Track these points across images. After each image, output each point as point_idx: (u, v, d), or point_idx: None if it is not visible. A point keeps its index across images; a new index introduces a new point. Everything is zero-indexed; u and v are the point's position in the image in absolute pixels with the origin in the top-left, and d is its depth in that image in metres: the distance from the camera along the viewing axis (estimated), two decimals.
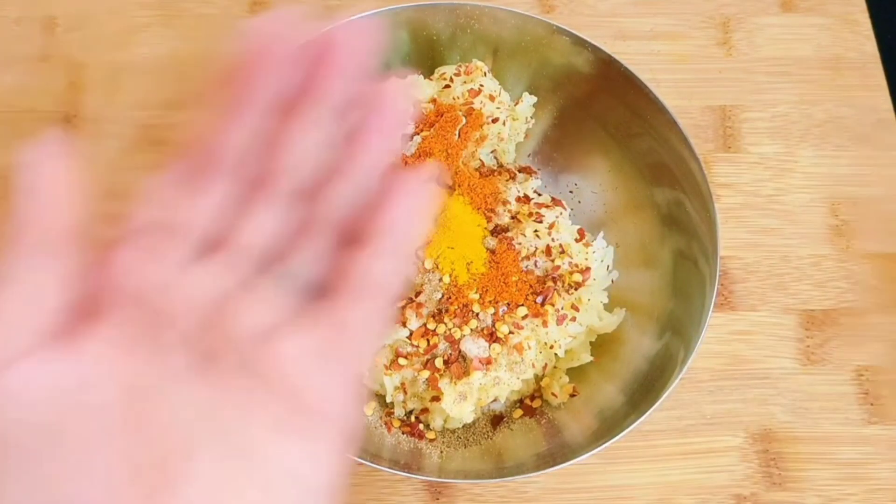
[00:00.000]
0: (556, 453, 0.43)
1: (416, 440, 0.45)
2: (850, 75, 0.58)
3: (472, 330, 0.44)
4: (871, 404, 0.49)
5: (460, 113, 0.48)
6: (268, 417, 0.22)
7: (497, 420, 0.47)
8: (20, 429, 0.20)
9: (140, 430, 0.21)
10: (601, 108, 0.49)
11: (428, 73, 0.52)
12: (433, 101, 0.50)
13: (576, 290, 0.45)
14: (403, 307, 0.44)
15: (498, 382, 0.44)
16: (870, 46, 0.58)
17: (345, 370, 0.24)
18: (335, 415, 0.23)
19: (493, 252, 0.45)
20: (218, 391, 0.21)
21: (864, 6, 0.59)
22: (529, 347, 0.44)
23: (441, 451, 0.45)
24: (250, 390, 0.22)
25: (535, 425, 0.46)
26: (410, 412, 0.46)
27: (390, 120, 0.25)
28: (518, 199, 0.48)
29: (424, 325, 0.44)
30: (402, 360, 0.44)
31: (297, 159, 0.25)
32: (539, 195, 0.49)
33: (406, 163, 0.47)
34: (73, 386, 0.21)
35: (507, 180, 0.49)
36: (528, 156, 0.53)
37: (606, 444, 0.40)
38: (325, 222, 0.25)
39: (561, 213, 0.47)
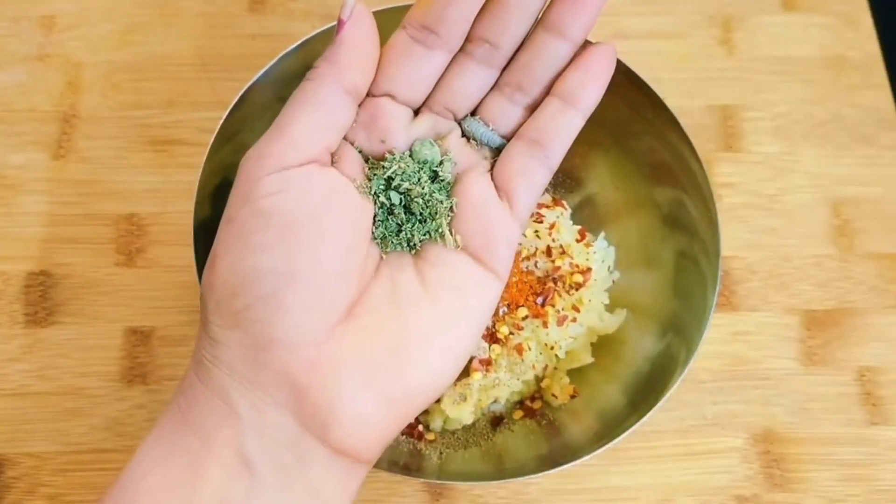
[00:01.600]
0: (557, 454, 0.43)
1: (416, 441, 0.45)
2: (852, 75, 0.57)
3: None
4: (873, 405, 0.49)
5: None
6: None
7: (497, 421, 0.46)
8: (290, 207, 0.27)
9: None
10: (601, 107, 0.48)
11: None
12: None
13: (576, 290, 0.45)
14: None
15: (498, 384, 0.44)
16: (872, 46, 0.58)
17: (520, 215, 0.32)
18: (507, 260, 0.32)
19: None
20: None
21: (866, 5, 0.59)
22: (530, 348, 0.43)
23: (441, 453, 0.45)
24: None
25: (535, 426, 0.46)
26: None
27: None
28: None
29: None
30: None
31: (505, 33, 0.31)
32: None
33: None
34: (335, 189, 0.29)
35: None
36: None
37: (608, 446, 0.40)
38: (528, 84, 0.32)
39: (561, 214, 0.47)
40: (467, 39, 0.32)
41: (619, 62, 0.49)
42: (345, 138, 0.31)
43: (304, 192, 0.28)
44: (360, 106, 0.31)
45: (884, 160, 0.55)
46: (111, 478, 0.45)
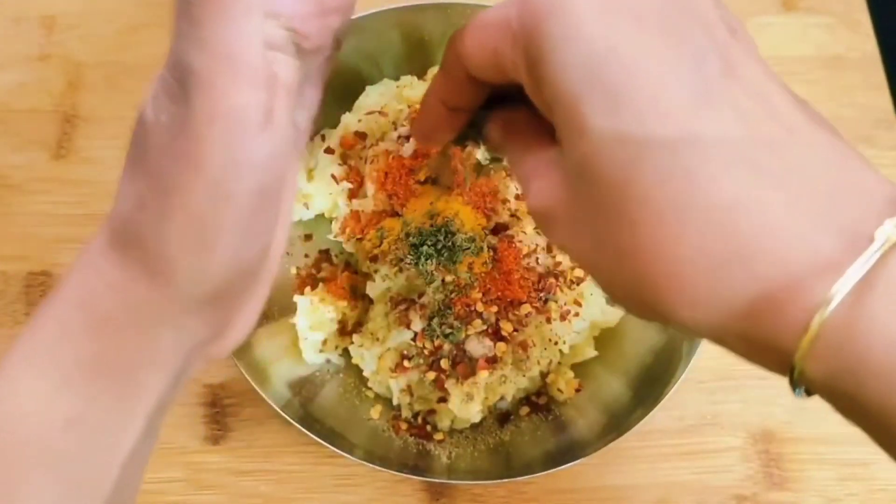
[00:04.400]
0: (565, 450, 0.43)
1: (425, 442, 0.45)
2: (850, 75, 0.57)
3: (476, 330, 0.44)
4: None
5: None
6: None
7: (504, 418, 0.47)
8: (275, 180, 0.24)
9: None
10: None
11: (421, 74, 0.51)
12: None
13: (578, 285, 0.45)
14: (406, 309, 0.44)
15: (504, 381, 0.44)
16: (870, 46, 0.58)
17: None
18: None
19: (494, 250, 0.45)
20: None
21: (864, 6, 0.59)
22: (534, 344, 0.44)
23: (450, 452, 0.45)
24: None
25: (541, 422, 0.46)
26: (417, 414, 0.46)
27: None
28: (517, 197, 0.48)
29: (428, 326, 0.44)
30: (407, 363, 0.44)
31: None
32: None
33: (403, 164, 0.47)
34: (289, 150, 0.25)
35: (505, 178, 0.49)
36: None
37: (619, 439, 0.40)
38: None
39: None
40: None
41: None
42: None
43: (281, 158, 0.24)
44: None
45: (883, 160, 0.55)
46: None
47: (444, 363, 0.44)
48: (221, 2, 0.22)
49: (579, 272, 0.46)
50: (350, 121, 0.50)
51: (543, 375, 0.47)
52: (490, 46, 0.24)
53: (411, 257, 0.44)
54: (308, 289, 0.47)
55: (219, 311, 0.26)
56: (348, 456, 0.41)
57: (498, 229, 0.46)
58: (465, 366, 0.44)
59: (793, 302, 0.20)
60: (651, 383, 0.43)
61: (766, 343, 0.21)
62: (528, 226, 0.46)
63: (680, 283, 0.22)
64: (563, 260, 0.45)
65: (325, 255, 0.50)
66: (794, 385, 0.21)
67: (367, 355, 0.46)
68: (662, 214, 0.21)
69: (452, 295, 0.44)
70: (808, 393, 0.22)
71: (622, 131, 0.21)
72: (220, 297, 0.25)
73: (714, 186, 0.21)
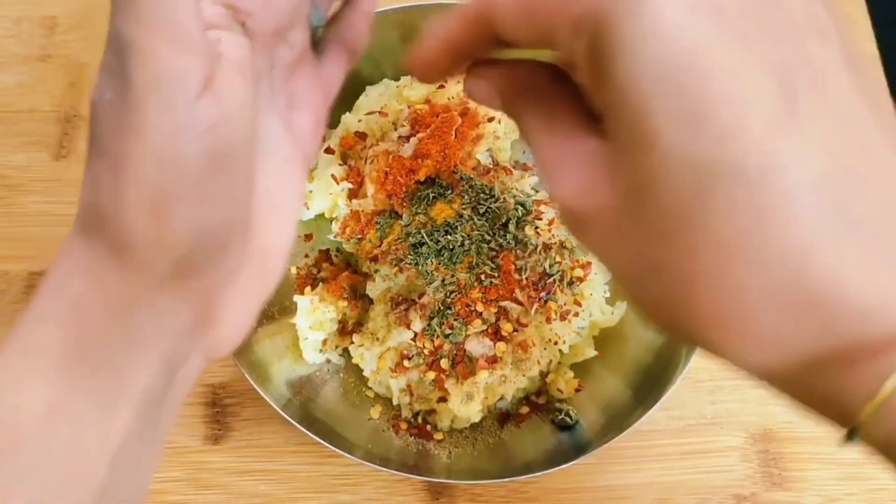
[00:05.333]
0: (565, 450, 0.43)
1: (425, 442, 0.45)
2: None
3: (476, 330, 0.44)
4: None
5: (455, 113, 0.48)
6: None
7: (504, 418, 0.47)
8: (227, 137, 0.23)
9: None
10: None
11: None
12: (427, 101, 0.50)
13: (577, 285, 0.46)
14: (407, 309, 0.44)
15: (504, 381, 0.44)
16: (870, 47, 0.58)
17: None
18: None
19: (495, 252, 0.45)
20: None
21: (864, 6, 0.59)
22: (534, 344, 0.44)
23: (449, 452, 0.45)
24: None
25: (541, 422, 0.46)
26: (417, 414, 0.46)
27: None
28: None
29: (428, 326, 0.44)
30: (407, 363, 0.44)
31: None
32: (536, 192, 0.49)
33: (403, 164, 0.47)
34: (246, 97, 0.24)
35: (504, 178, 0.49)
36: (524, 152, 0.53)
37: (618, 437, 0.40)
38: None
39: None
40: None
41: None
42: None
43: (233, 117, 0.24)
44: None
45: None
46: None
47: (444, 363, 0.44)
48: None
49: (579, 272, 0.46)
50: (350, 121, 0.51)
51: (543, 375, 0.47)
52: (541, 22, 0.22)
53: (411, 257, 0.45)
54: (308, 289, 0.47)
55: (192, 286, 0.25)
56: (348, 456, 0.41)
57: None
58: (464, 366, 0.44)
59: (864, 363, 0.20)
60: (651, 383, 0.44)
61: (828, 396, 0.21)
62: (527, 226, 0.46)
63: (741, 324, 0.20)
64: (563, 260, 0.45)
65: (325, 255, 0.50)
66: (849, 438, 0.21)
67: (367, 355, 0.46)
68: (730, 248, 0.20)
69: (452, 295, 0.44)
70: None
71: (697, 154, 0.19)
72: (188, 270, 0.24)
73: (791, 227, 0.19)
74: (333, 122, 0.51)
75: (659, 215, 0.21)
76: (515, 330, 0.44)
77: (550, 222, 0.46)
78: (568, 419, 0.45)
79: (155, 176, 0.22)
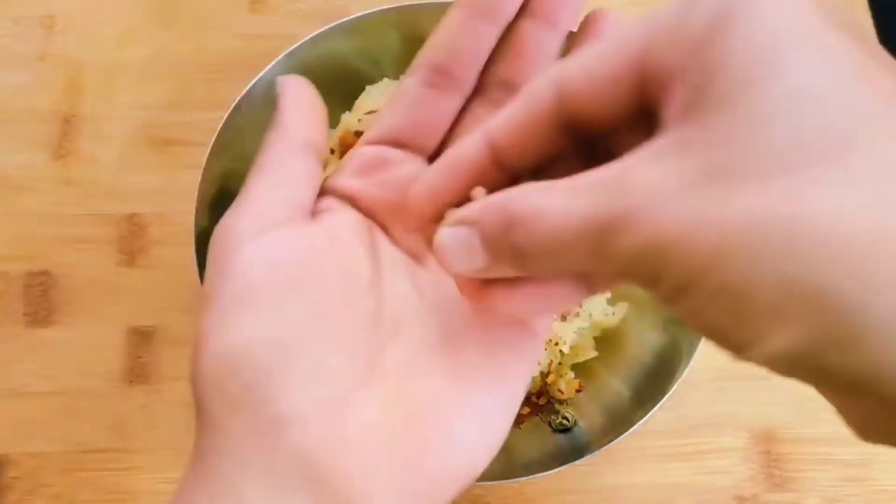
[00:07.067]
0: (565, 450, 0.43)
1: None
2: None
3: None
4: None
5: None
6: None
7: None
8: (270, 273, 0.25)
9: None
10: None
11: None
12: None
13: None
14: None
15: None
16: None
17: None
18: None
19: None
20: None
21: (865, 6, 0.59)
22: None
23: None
24: None
25: (541, 423, 0.46)
26: None
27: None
28: None
29: None
30: None
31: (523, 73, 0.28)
32: None
33: None
34: (316, 242, 0.26)
35: None
36: None
37: (619, 439, 0.40)
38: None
39: None
40: (481, 81, 0.29)
41: None
42: (342, 197, 0.29)
43: (281, 255, 0.26)
44: (362, 158, 0.29)
45: None
46: (112, 478, 0.45)
47: None
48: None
49: None
50: (350, 121, 0.50)
51: (544, 376, 0.46)
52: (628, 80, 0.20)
53: None
54: None
55: (256, 411, 0.24)
56: None
57: None
58: None
59: None
60: (651, 383, 0.43)
61: None
62: None
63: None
64: None
65: None
66: None
67: None
68: None
69: None
70: None
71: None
72: (244, 395, 0.24)
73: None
74: (333, 122, 0.51)
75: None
76: None
77: None
78: (566, 421, 0.45)
79: None
